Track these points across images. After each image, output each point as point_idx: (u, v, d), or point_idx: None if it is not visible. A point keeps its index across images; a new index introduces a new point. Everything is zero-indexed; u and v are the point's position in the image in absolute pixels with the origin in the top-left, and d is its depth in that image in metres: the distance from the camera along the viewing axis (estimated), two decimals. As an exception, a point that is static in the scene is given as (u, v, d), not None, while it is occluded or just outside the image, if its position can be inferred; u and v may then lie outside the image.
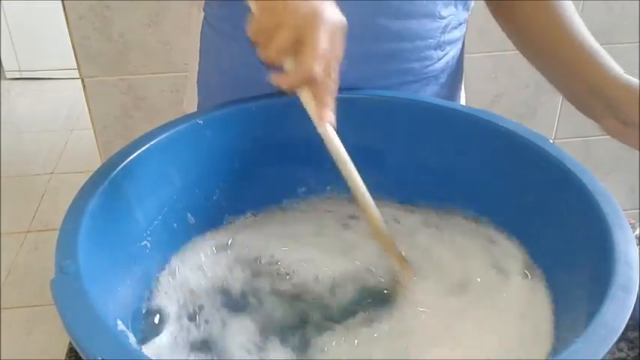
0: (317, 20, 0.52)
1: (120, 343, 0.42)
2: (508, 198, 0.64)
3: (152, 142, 0.61)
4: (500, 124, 0.63)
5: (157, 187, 0.62)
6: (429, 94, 0.77)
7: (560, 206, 0.59)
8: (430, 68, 0.75)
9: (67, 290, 0.45)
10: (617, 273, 0.47)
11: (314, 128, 0.70)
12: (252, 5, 0.54)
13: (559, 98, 1.68)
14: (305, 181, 0.71)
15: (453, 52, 0.78)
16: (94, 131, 1.50)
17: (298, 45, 0.52)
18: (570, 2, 0.74)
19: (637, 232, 1.06)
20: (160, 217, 0.62)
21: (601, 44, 0.70)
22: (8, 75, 3.11)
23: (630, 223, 0.68)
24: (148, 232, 0.61)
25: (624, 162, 1.78)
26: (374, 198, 0.61)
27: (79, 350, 0.42)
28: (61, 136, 2.69)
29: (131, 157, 0.59)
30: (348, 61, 0.70)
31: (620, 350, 0.69)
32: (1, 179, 2.40)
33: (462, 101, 0.87)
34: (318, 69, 0.52)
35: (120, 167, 0.57)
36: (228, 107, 0.67)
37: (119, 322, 0.52)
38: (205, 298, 0.60)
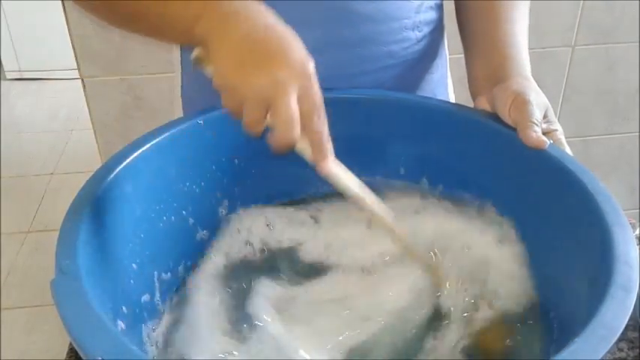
0: (278, 89, 0.51)
1: (120, 343, 0.42)
2: (508, 198, 0.64)
3: (152, 142, 0.61)
4: (500, 125, 0.63)
5: (157, 187, 0.62)
6: (412, 78, 0.77)
7: (560, 206, 0.59)
8: (410, 50, 0.75)
9: (67, 290, 0.45)
10: (617, 273, 0.47)
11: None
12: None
13: (559, 99, 1.68)
14: (306, 181, 0.71)
15: (431, 34, 0.77)
16: (94, 131, 1.50)
17: (270, 113, 0.52)
18: (515, 3, 0.74)
19: (637, 231, 1.06)
20: (159, 217, 0.62)
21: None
22: (8, 75, 3.11)
23: (630, 223, 0.68)
24: (148, 232, 0.61)
25: (624, 162, 1.78)
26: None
27: (79, 350, 0.42)
28: (61, 137, 2.69)
29: (131, 157, 0.59)
30: (325, 48, 0.70)
31: (620, 350, 0.69)
32: (1, 179, 2.40)
33: (450, 90, 0.88)
34: (290, 134, 0.51)
35: (120, 167, 0.57)
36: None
37: (119, 322, 0.52)
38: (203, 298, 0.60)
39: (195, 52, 0.56)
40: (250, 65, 0.52)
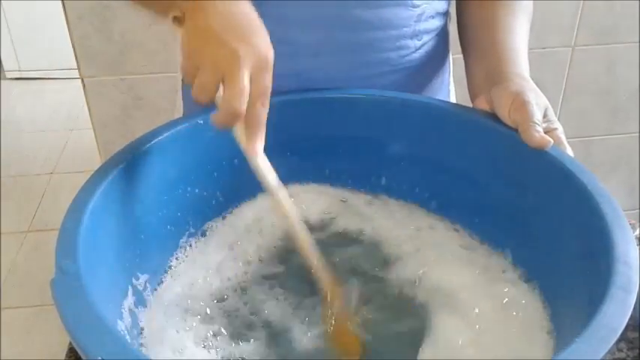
0: (235, 61, 0.53)
1: (120, 343, 0.42)
2: (507, 198, 0.64)
3: (152, 142, 0.61)
4: (500, 124, 0.63)
5: (156, 187, 0.62)
6: (411, 85, 0.77)
7: (560, 206, 0.59)
8: (408, 58, 0.75)
9: (67, 290, 0.45)
10: (616, 273, 0.47)
11: (314, 127, 0.70)
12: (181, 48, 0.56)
13: (559, 99, 1.68)
14: (306, 181, 0.71)
15: (432, 42, 0.77)
16: (94, 131, 1.50)
17: (222, 85, 0.54)
18: (516, 3, 0.74)
19: (637, 232, 1.06)
20: (159, 217, 0.62)
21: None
22: (8, 75, 3.11)
23: (630, 224, 0.68)
24: (148, 232, 0.61)
25: (624, 162, 1.78)
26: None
27: (78, 350, 0.42)
28: (61, 136, 2.69)
29: (131, 156, 0.59)
30: (322, 51, 0.70)
31: (620, 350, 0.69)
32: (1, 179, 2.40)
33: (452, 95, 0.87)
34: (239, 105, 0.52)
35: (120, 167, 0.57)
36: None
37: (119, 322, 0.52)
38: (205, 297, 0.60)
39: (175, 14, 0.58)
40: (216, 37, 0.54)
